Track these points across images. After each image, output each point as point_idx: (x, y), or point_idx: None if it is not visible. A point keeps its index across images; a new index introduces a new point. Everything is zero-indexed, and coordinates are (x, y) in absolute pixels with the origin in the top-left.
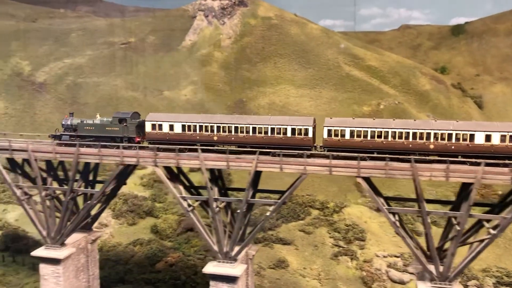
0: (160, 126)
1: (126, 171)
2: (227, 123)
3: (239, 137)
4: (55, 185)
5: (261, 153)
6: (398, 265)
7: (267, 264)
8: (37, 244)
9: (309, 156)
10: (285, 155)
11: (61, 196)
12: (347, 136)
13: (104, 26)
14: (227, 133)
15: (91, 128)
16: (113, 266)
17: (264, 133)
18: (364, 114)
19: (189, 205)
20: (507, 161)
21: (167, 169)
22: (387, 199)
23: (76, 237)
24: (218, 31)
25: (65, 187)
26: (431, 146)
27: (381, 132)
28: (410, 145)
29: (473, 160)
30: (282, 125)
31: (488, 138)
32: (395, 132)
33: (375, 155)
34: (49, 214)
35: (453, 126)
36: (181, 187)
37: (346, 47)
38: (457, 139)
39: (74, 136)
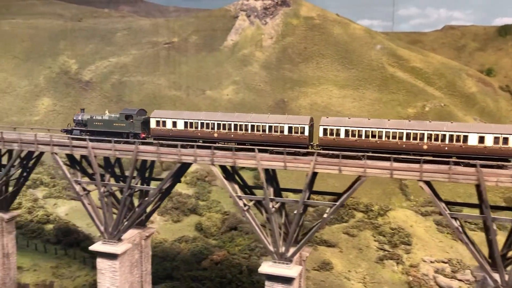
0: (164, 122)
1: (182, 169)
2: (227, 121)
3: (238, 134)
4: (112, 181)
5: (260, 151)
6: (446, 271)
7: (312, 265)
8: (87, 239)
9: (305, 154)
10: (344, 157)
11: (116, 193)
12: (342, 135)
13: (148, 26)
14: (227, 130)
15: (100, 124)
16: (160, 262)
17: (262, 131)
18: (409, 116)
19: (245, 205)
20: None
21: (223, 168)
22: (448, 204)
23: (131, 233)
24: (260, 31)
25: (122, 183)
26: (425, 147)
27: (375, 132)
28: (404, 145)
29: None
30: (279, 123)
31: (481, 139)
32: (389, 132)
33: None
34: (107, 210)
35: (446, 127)
36: (236, 186)
37: (383, 47)
38: (451, 140)
39: (84, 131)
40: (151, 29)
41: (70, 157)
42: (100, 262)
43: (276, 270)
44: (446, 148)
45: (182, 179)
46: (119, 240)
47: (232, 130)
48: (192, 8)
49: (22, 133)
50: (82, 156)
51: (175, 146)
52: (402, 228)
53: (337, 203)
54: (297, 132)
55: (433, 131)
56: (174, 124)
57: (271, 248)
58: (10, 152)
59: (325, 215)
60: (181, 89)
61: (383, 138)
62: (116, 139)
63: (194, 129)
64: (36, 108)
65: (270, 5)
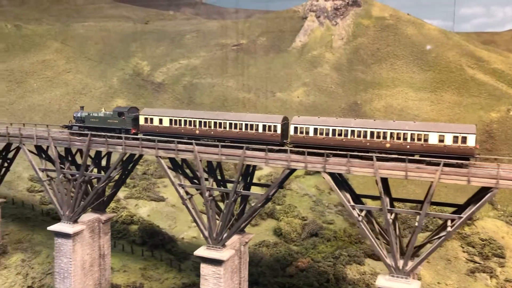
0: (152, 119)
1: (288, 175)
2: (207, 119)
3: (217, 131)
4: (215, 186)
5: (235, 147)
6: None
7: None
8: (171, 241)
9: (277, 151)
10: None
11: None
12: (311, 134)
13: (216, 28)
14: (207, 128)
15: (96, 120)
16: None
17: (239, 129)
18: (492, 121)
19: (358, 215)
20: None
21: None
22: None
23: (232, 239)
24: (329, 32)
25: (223, 188)
26: (387, 145)
27: (341, 130)
28: (368, 144)
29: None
30: (254, 121)
31: (441, 138)
32: (354, 130)
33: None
34: (211, 215)
35: (408, 127)
36: (348, 195)
37: (431, 48)
38: (412, 139)
39: (82, 127)
40: (219, 31)
41: (172, 160)
42: (204, 268)
43: (393, 284)
44: (408, 147)
45: (256, 182)
46: (223, 246)
47: (212, 128)
48: (252, 10)
49: (127, 136)
50: (183, 160)
51: (170, 142)
52: (494, 240)
53: (464, 216)
54: (270, 130)
55: (395, 130)
56: (161, 121)
57: (388, 261)
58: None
59: (449, 228)
60: (250, 91)
61: (349, 136)
62: (108, 134)
63: (178, 126)
64: (111, 109)
65: (341, 6)
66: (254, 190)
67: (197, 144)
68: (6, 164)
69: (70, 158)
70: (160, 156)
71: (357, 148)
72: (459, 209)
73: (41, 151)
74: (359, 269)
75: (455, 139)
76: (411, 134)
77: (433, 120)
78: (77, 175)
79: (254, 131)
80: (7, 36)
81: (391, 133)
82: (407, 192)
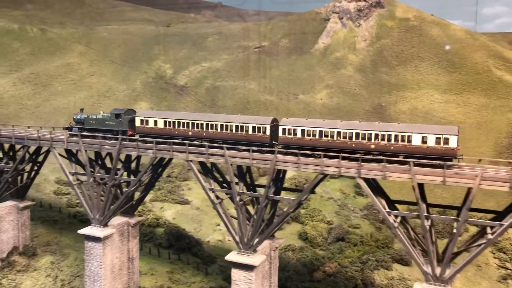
0: (147, 121)
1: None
2: (200, 120)
3: (209, 132)
4: (245, 190)
5: (228, 148)
6: None
7: None
8: (197, 244)
9: (267, 152)
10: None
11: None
12: (299, 135)
13: (238, 31)
14: (199, 129)
15: (94, 122)
16: None
17: (230, 130)
18: None
19: (394, 221)
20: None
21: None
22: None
23: (263, 244)
24: (352, 34)
25: (252, 193)
26: (372, 146)
27: (328, 131)
28: (353, 145)
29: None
30: (244, 123)
31: (424, 140)
32: (340, 132)
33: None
34: (242, 220)
35: (392, 128)
36: (383, 201)
37: (450, 48)
38: (396, 140)
39: (82, 129)
40: (241, 33)
41: (203, 164)
42: (235, 273)
43: None
44: (392, 148)
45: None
46: (255, 251)
47: (204, 129)
48: (273, 12)
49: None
50: (212, 164)
51: (165, 143)
52: None
53: (506, 224)
54: (259, 132)
55: (379, 131)
56: (155, 123)
57: (425, 268)
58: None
59: (490, 236)
60: (273, 94)
61: (335, 138)
62: (103, 135)
63: (171, 127)
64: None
65: (364, 7)
66: (282, 194)
67: (190, 145)
68: (35, 168)
69: (100, 162)
70: (190, 160)
71: (343, 149)
72: (498, 216)
73: (71, 155)
74: (387, 274)
75: (438, 140)
76: (395, 135)
77: (460, 123)
78: (106, 179)
79: (244, 132)
80: (33, 40)
81: (375, 134)
82: (434, 196)
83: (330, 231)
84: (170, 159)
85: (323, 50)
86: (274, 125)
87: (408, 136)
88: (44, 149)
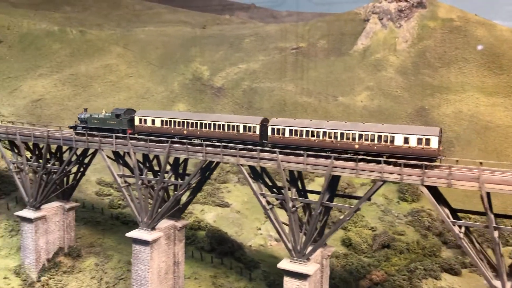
0: (145, 120)
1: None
2: (194, 119)
3: (203, 131)
4: (296, 196)
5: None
6: None
7: None
8: (240, 248)
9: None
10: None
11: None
12: (287, 134)
13: (274, 32)
14: (194, 128)
15: (97, 121)
16: None
17: (222, 129)
18: None
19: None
20: None
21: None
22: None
23: (315, 252)
24: (393, 35)
25: (305, 199)
26: (356, 146)
27: (314, 131)
28: (338, 144)
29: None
30: (236, 122)
31: (406, 140)
32: (325, 132)
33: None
34: (295, 227)
35: (376, 128)
36: (447, 210)
37: (492, 49)
38: (379, 140)
39: (85, 128)
40: (277, 34)
41: (253, 169)
42: (288, 282)
43: None
44: (376, 148)
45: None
46: (308, 259)
47: (198, 128)
48: (306, 12)
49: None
50: (262, 169)
51: (160, 142)
52: None
53: None
54: (250, 131)
55: (363, 131)
56: (153, 122)
57: (494, 283)
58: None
59: None
60: (311, 96)
61: (321, 137)
62: (105, 133)
63: (168, 126)
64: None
65: (405, 7)
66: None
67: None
68: (81, 169)
69: (148, 165)
70: (241, 164)
71: (329, 149)
72: None
73: (118, 157)
74: (436, 284)
75: (419, 141)
76: (378, 135)
77: (508, 127)
78: (154, 182)
79: (235, 131)
80: (72, 42)
81: (359, 134)
82: (470, 203)
83: (375, 237)
84: (218, 163)
85: (362, 51)
86: (264, 124)
87: (391, 137)
88: (91, 150)
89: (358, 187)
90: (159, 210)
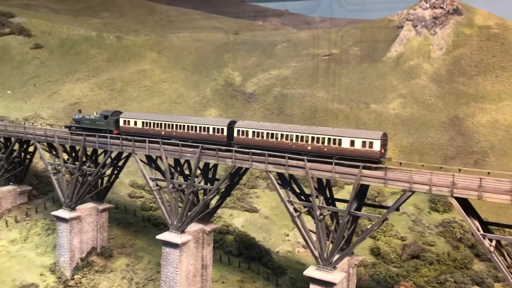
0: (129, 122)
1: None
2: (170, 121)
3: (178, 132)
4: (324, 204)
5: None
6: None
7: None
8: (267, 254)
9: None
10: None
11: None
12: (250, 136)
13: (307, 38)
14: (170, 129)
15: (88, 122)
16: None
17: (195, 131)
18: None
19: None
20: None
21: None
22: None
23: (342, 260)
24: (427, 42)
25: (333, 207)
26: (308, 148)
27: (273, 134)
28: (293, 146)
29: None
30: (206, 124)
31: (352, 143)
32: (283, 134)
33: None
34: (322, 235)
35: (326, 132)
36: (476, 223)
37: None
38: (329, 142)
39: (78, 128)
40: (310, 41)
41: (281, 176)
42: None
43: None
44: (325, 149)
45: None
46: (334, 268)
47: (174, 129)
48: (340, 18)
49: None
50: (290, 176)
51: (143, 141)
52: None
53: None
54: (218, 132)
55: (315, 134)
56: (135, 123)
57: None
58: (207, 165)
59: None
60: (343, 103)
61: (279, 139)
62: (97, 133)
63: (148, 127)
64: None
65: (441, 14)
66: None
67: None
68: (115, 172)
69: (179, 169)
70: (269, 171)
71: (286, 150)
72: None
73: (151, 161)
74: None
75: (364, 143)
76: (328, 138)
77: None
78: (185, 186)
79: (206, 133)
80: (109, 47)
81: (311, 137)
82: (504, 215)
83: (404, 247)
84: (247, 169)
85: (395, 58)
86: (231, 127)
87: (339, 139)
88: (125, 154)
89: (388, 196)
90: (189, 213)
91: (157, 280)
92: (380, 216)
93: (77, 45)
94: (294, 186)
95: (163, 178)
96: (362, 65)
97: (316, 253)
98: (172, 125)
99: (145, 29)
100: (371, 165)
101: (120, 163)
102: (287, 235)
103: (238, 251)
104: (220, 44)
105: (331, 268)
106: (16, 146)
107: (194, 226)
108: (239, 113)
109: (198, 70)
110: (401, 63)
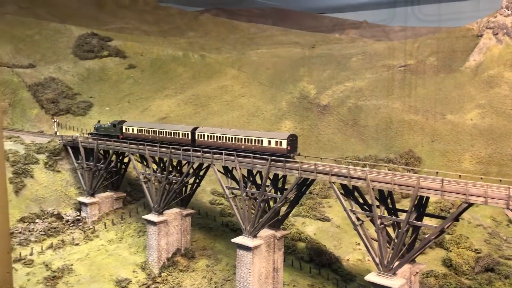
0: (128, 129)
1: (465, 209)
2: (155, 128)
3: (160, 137)
4: (386, 214)
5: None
6: None
7: None
8: (337, 261)
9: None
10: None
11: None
12: (205, 139)
13: (382, 49)
14: (155, 135)
15: (103, 129)
16: None
17: (169, 135)
18: None
19: None
20: None
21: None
22: None
23: (403, 268)
24: (509, 50)
25: (393, 217)
26: (243, 146)
27: (220, 136)
28: (233, 145)
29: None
30: (178, 130)
31: (269, 142)
32: (226, 136)
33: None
34: (382, 243)
35: (253, 134)
36: None
37: None
38: (255, 142)
39: (97, 134)
40: (385, 52)
41: (344, 186)
42: None
43: None
44: (253, 148)
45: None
46: (394, 274)
47: (158, 135)
48: (418, 27)
49: (303, 161)
50: (353, 186)
51: (142, 144)
52: None
53: None
54: (185, 136)
55: (246, 136)
56: (133, 130)
57: None
58: (276, 176)
59: None
60: (418, 113)
61: (224, 141)
62: (111, 138)
63: (141, 133)
64: (280, 130)
65: None
66: (426, 220)
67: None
68: (197, 180)
69: (251, 179)
70: (332, 182)
71: (229, 149)
72: None
73: (227, 171)
74: None
75: (276, 142)
76: (254, 139)
77: None
78: (257, 194)
79: (178, 137)
80: (194, 65)
81: (244, 138)
82: None
83: (477, 260)
84: (313, 180)
85: (474, 67)
86: (193, 132)
87: (261, 140)
88: (205, 165)
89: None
90: (260, 220)
91: (233, 280)
92: (437, 225)
93: (165, 65)
94: (358, 196)
95: (237, 187)
96: (439, 75)
97: (377, 260)
98: (155, 131)
99: (226, 47)
100: (281, 158)
101: (201, 173)
102: (358, 244)
103: (309, 257)
104: (296, 59)
105: (391, 274)
106: (113, 158)
107: (266, 232)
108: (313, 125)
109: (274, 85)
110: (480, 72)
